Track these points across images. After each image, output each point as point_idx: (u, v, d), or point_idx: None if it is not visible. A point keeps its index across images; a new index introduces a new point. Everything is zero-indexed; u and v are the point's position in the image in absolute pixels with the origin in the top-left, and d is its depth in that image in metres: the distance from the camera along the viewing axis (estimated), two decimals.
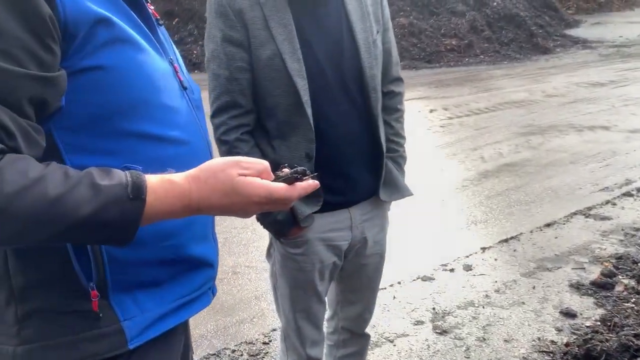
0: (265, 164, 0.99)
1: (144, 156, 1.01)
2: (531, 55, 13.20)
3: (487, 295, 3.27)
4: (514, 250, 3.81)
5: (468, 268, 3.59)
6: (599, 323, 2.89)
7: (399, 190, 1.86)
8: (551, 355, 2.68)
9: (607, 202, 4.59)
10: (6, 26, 0.83)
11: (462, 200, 4.78)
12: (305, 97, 1.63)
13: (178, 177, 0.94)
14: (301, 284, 1.82)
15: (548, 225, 4.19)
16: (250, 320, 3.10)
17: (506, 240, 3.97)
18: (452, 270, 3.57)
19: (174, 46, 1.27)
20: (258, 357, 2.78)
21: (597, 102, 8.23)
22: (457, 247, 3.89)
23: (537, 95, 8.86)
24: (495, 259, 3.70)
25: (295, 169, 1.01)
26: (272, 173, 1.00)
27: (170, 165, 0.99)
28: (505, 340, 2.83)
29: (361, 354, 2.14)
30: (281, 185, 0.98)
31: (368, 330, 2.11)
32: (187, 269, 1.13)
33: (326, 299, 1.96)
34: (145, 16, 1.10)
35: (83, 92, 0.94)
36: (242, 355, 2.80)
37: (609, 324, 2.78)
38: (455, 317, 3.07)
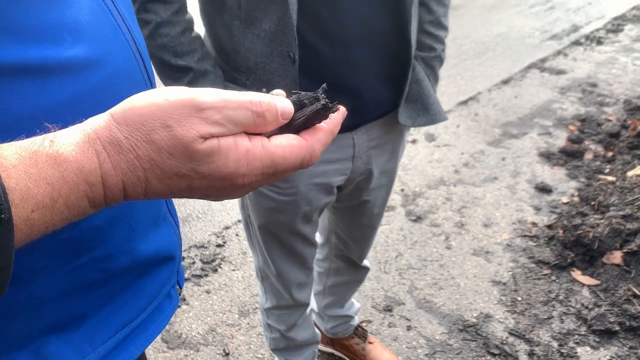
0: (252, 102, 0.45)
1: (7, 112, 0.46)
2: None
3: (456, 171, 2.97)
4: (475, 115, 3.50)
5: (431, 138, 3.25)
6: (576, 199, 2.72)
7: (428, 112, 1.27)
8: (535, 239, 2.49)
9: (559, 52, 4.32)
10: None
11: None
12: None
13: (69, 144, 0.42)
14: (281, 226, 1.34)
15: (505, 82, 3.88)
16: (196, 218, 2.63)
17: (465, 102, 3.63)
18: (414, 141, 3.21)
19: None
20: (213, 263, 2.36)
21: None
22: None
23: None
24: (458, 126, 3.38)
25: (313, 98, 0.48)
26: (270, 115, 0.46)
27: (68, 117, 0.47)
28: (485, 225, 2.59)
29: (356, 284, 1.78)
30: (292, 144, 0.47)
31: None
32: (131, 280, 0.65)
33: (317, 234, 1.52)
34: None
35: None
36: (194, 263, 2.37)
37: (592, 203, 2.61)
38: (427, 199, 2.77)
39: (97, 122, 0.43)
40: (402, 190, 2.83)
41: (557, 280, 2.24)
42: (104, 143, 0.42)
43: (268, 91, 0.51)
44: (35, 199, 0.39)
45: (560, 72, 4.02)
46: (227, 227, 2.56)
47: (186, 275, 2.32)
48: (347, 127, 1.23)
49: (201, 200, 2.73)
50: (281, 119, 0.47)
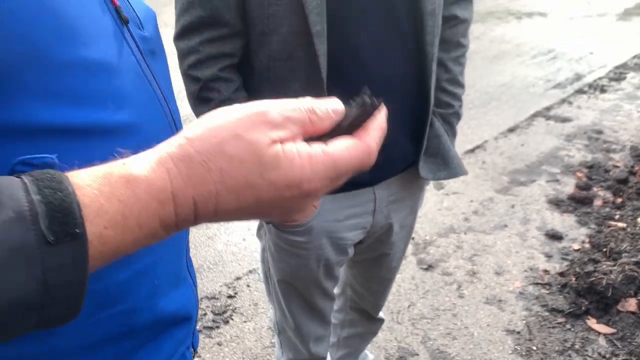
0: (306, 104, 0.47)
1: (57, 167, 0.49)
2: None
3: (466, 219, 2.98)
4: (483, 162, 3.53)
5: (440, 186, 3.27)
6: (588, 246, 2.71)
7: (448, 166, 1.30)
8: (548, 287, 2.47)
9: (563, 100, 4.38)
10: None
11: None
12: (318, 26, 1.04)
13: (141, 165, 0.44)
14: (302, 280, 1.35)
15: (511, 130, 3.93)
16: (207, 269, 2.63)
17: (472, 151, 3.67)
18: None
19: None
20: (225, 315, 2.35)
21: None
22: None
23: None
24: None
25: (363, 99, 0.49)
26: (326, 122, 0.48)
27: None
28: (497, 273, 2.58)
29: (371, 335, 1.77)
30: (350, 143, 0.48)
31: None
32: (150, 338, 0.66)
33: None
34: None
35: None
36: (205, 314, 2.36)
37: (604, 249, 2.60)
38: (438, 247, 2.77)
39: (170, 142, 0.45)
40: (413, 238, 2.83)
41: (572, 329, 2.21)
42: (175, 160, 0.43)
43: None
44: (107, 216, 0.41)
45: (565, 120, 4.08)
46: (238, 278, 2.56)
47: (198, 327, 2.32)
48: (368, 181, 1.26)
49: (212, 250, 2.74)
50: (333, 115, 0.48)
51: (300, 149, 0.45)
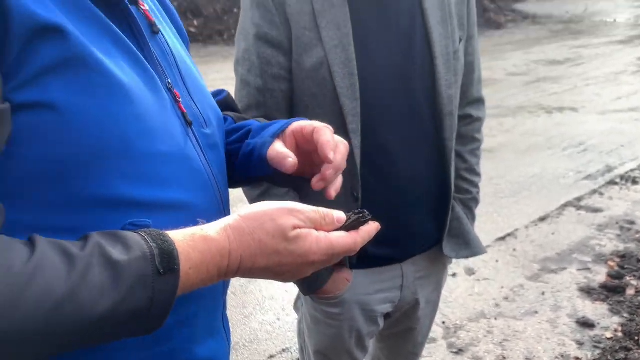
0: (326, 212, 0.72)
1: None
2: (485, 31, 13.11)
3: (497, 305, 3.03)
4: (514, 250, 3.60)
5: (470, 272, 3.35)
6: (620, 334, 2.71)
7: (469, 246, 1.48)
8: None
9: (594, 191, 4.46)
10: None
11: None
12: (353, 125, 1.25)
13: (213, 230, 0.67)
14: (335, 350, 1.47)
15: (542, 219, 4.01)
16: (242, 347, 2.74)
17: (503, 238, 3.75)
18: (454, 275, 3.31)
19: (183, 55, 0.87)
20: None
21: (560, 81, 8.18)
22: None
23: (500, 74, 8.74)
24: (497, 260, 3.48)
25: (358, 213, 0.74)
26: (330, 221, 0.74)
27: None
28: (527, 359, 2.60)
29: None
30: (343, 235, 0.72)
31: None
32: None
33: None
34: (129, 23, 0.74)
35: (20, 142, 0.59)
36: None
37: (636, 338, 2.60)
38: (469, 331, 2.81)
39: (230, 217, 0.68)
40: (444, 322, 2.89)
41: None
42: (233, 230, 0.67)
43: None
44: (192, 261, 0.63)
45: (596, 211, 4.14)
46: (271, 356, 2.65)
47: None
48: (396, 258, 1.42)
49: (248, 329, 2.86)
50: (336, 222, 0.73)
51: (312, 233, 0.70)
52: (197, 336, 0.80)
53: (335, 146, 0.83)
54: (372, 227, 0.74)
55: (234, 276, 0.69)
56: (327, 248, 0.70)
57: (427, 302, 1.52)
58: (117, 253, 0.58)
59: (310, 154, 0.88)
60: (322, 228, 0.71)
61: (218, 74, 7.82)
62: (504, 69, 9.11)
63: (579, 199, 4.33)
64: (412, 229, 1.39)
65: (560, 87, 7.85)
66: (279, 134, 0.88)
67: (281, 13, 1.23)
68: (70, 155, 0.62)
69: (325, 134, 0.84)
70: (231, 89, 1.31)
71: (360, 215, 0.73)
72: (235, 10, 11.30)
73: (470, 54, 1.43)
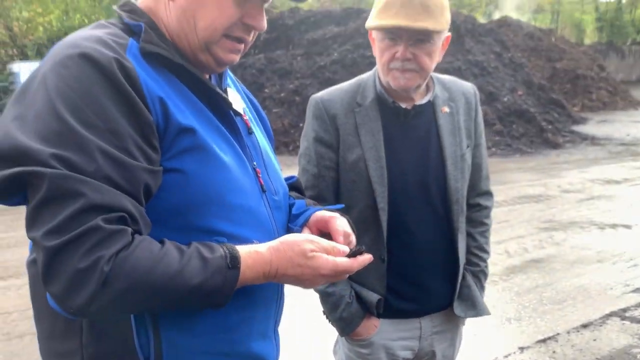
0: (334, 245, 1.12)
1: None
2: (542, 150, 13.46)
3: None
4: (554, 352, 3.73)
5: None
6: None
7: (476, 308, 1.82)
8: None
9: None
10: (124, 129, 0.95)
11: (494, 296, 4.73)
12: (382, 204, 1.67)
13: (262, 248, 1.07)
14: None
15: (584, 326, 4.12)
16: None
17: (544, 341, 3.89)
18: None
19: (268, 149, 1.33)
20: None
21: (615, 199, 8.30)
22: (494, 347, 3.81)
23: (554, 190, 8.96)
24: None
25: (357, 247, 1.16)
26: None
27: None
28: None
29: None
30: (344, 259, 1.11)
31: None
32: None
33: None
34: (233, 127, 1.19)
35: (163, 190, 1.03)
36: None
37: None
38: None
39: (274, 241, 1.09)
40: None
41: None
42: (274, 249, 1.07)
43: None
44: (247, 264, 1.04)
45: None
46: None
47: None
48: (416, 313, 1.78)
49: None
50: (342, 253, 1.12)
51: (324, 255, 1.10)
52: (253, 335, 1.19)
53: (342, 232, 1.23)
54: (366, 257, 1.14)
55: (273, 280, 1.09)
56: (332, 266, 1.08)
57: (444, 356, 1.84)
58: (206, 252, 1.00)
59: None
60: (332, 254, 1.10)
61: None
62: (558, 186, 9.34)
63: (625, 310, 4.41)
64: (428, 290, 1.75)
65: (615, 205, 7.97)
66: (304, 224, 1.30)
67: (333, 123, 1.71)
68: (191, 200, 1.07)
69: (334, 224, 1.25)
70: None
71: (358, 249, 1.14)
72: (301, 124, 12.26)
73: (478, 157, 1.84)
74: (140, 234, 0.97)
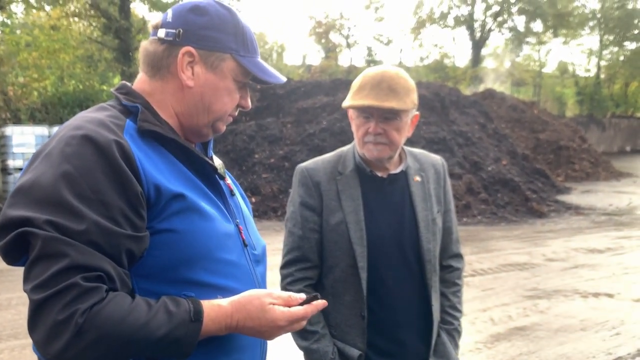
0: (290, 294, 1.23)
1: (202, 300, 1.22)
2: (527, 219, 13.66)
3: None
4: None
5: None
6: None
7: None
8: None
9: None
10: (113, 201, 1.09)
11: None
12: (362, 263, 1.79)
13: (224, 302, 1.20)
14: None
15: None
16: None
17: None
18: None
19: (246, 209, 1.46)
20: None
21: (598, 268, 8.41)
22: None
23: (539, 259, 9.06)
24: None
25: (310, 295, 1.28)
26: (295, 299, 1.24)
27: None
28: None
29: None
30: (299, 308, 1.23)
31: None
32: None
33: None
34: (218, 190, 1.35)
35: (156, 248, 1.17)
36: None
37: None
38: None
39: (237, 296, 1.19)
40: None
41: None
42: (236, 303, 1.18)
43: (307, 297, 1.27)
44: (210, 317, 1.15)
45: None
46: None
47: None
48: None
49: None
50: (299, 300, 1.22)
51: (280, 307, 1.21)
52: None
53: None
54: (320, 303, 1.25)
55: (234, 331, 1.19)
56: (288, 317, 1.21)
57: None
58: (172, 306, 1.13)
59: None
60: (290, 304, 1.22)
61: (269, 245, 8.51)
62: (543, 254, 9.45)
63: None
64: (405, 346, 1.86)
65: (598, 274, 8.07)
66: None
67: (317, 190, 1.86)
68: (182, 256, 1.19)
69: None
70: (278, 252, 1.90)
71: (313, 296, 1.25)
72: (289, 190, 12.41)
73: (448, 221, 2.00)
74: (115, 290, 1.09)
